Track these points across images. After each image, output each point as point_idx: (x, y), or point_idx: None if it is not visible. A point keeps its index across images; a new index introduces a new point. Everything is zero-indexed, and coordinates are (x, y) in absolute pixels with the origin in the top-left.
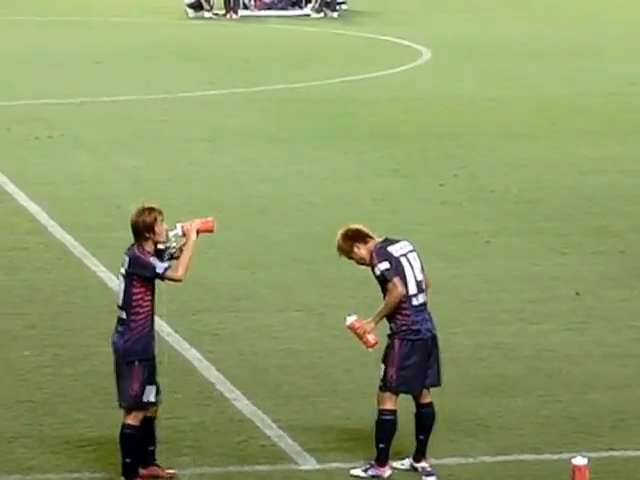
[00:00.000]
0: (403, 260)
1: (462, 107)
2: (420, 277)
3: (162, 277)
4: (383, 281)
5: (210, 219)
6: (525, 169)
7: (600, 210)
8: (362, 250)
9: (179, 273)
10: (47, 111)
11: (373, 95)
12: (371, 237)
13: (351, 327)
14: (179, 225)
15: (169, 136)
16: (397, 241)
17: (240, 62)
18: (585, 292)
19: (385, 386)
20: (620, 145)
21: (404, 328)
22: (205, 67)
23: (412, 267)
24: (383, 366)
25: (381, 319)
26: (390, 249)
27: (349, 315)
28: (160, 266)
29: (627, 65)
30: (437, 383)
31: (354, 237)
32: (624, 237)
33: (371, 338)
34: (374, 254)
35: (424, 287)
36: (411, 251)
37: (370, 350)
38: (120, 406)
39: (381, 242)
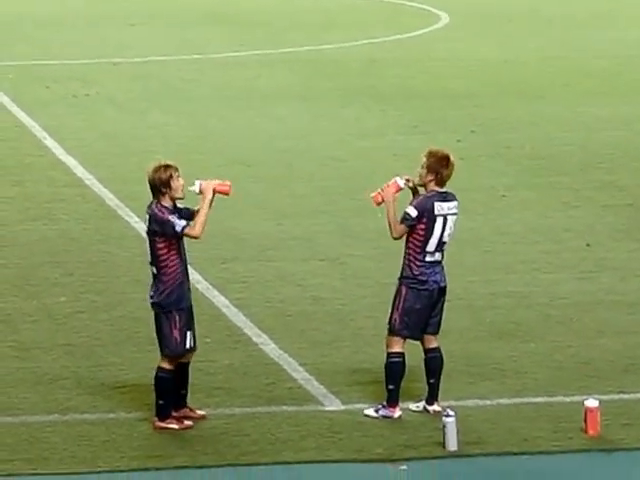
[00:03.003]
0: (439, 219)
1: (478, 68)
2: (446, 239)
3: (181, 235)
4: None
5: (228, 183)
6: (538, 127)
7: (609, 166)
8: (424, 177)
9: (196, 231)
10: (84, 70)
11: (394, 57)
12: (441, 183)
13: (390, 184)
14: (197, 182)
15: (200, 95)
16: (451, 200)
17: (268, 26)
18: (595, 243)
19: (389, 329)
20: (628, 105)
21: (411, 277)
22: (235, 30)
23: (444, 228)
24: (390, 309)
25: (388, 211)
26: (437, 205)
27: (401, 178)
28: (178, 224)
29: (635, 30)
30: (436, 332)
31: (436, 168)
32: (632, 191)
33: (378, 198)
34: (420, 198)
35: (444, 248)
36: (453, 214)
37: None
38: (163, 354)
39: (438, 193)
